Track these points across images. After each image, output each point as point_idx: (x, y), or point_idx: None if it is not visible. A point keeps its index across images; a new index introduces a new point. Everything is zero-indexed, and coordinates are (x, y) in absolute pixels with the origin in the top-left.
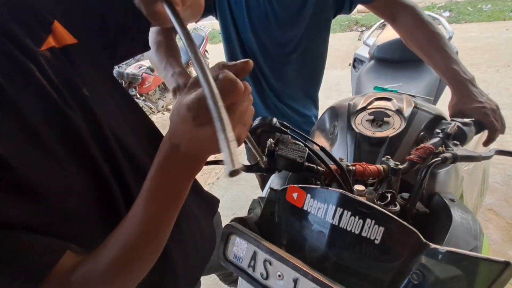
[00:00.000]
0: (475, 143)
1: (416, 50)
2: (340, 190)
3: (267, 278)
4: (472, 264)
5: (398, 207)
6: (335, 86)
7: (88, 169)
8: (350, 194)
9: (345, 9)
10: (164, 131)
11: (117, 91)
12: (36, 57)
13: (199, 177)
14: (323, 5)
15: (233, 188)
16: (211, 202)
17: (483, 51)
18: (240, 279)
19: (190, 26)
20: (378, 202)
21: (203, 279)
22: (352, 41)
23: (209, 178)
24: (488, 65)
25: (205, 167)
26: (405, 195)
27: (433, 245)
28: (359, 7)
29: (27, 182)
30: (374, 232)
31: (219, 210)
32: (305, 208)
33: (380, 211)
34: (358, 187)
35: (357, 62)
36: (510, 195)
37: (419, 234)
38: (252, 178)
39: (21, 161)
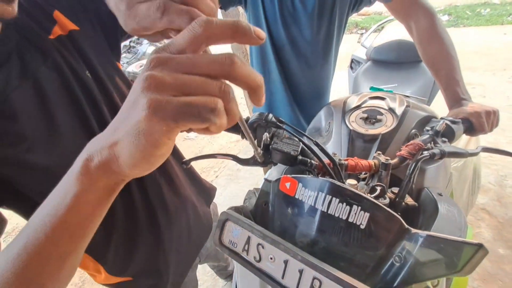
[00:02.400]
0: (465, 142)
1: (425, 61)
2: (330, 179)
3: (259, 260)
4: (449, 246)
5: (387, 200)
6: (335, 87)
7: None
8: (338, 183)
9: (365, 2)
10: None
11: (116, 75)
12: (50, 41)
13: None
14: None
15: (231, 186)
16: (208, 189)
17: (481, 55)
18: (235, 269)
19: None
20: (368, 194)
21: (200, 273)
22: (351, 43)
23: (208, 176)
24: (485, 69)
25: (204, 165)
26: (395, 189)
27: (414, 230)
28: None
29: (35, 155)
30: (360, 217)
31: (218, 207)
32: (296, 196)
33: (365, 198)
34: (350, 181)
35: (354, 63)
36: (502, 195)
37: (401, 220)
38: (250, 176)
39: (33, 131)
